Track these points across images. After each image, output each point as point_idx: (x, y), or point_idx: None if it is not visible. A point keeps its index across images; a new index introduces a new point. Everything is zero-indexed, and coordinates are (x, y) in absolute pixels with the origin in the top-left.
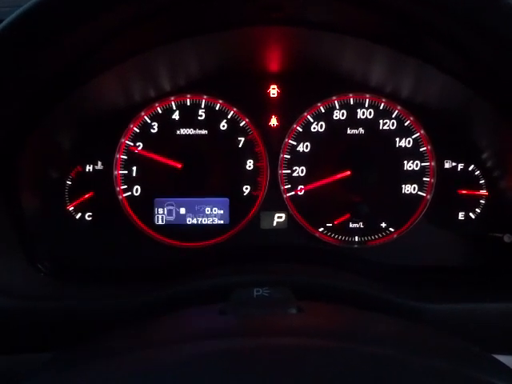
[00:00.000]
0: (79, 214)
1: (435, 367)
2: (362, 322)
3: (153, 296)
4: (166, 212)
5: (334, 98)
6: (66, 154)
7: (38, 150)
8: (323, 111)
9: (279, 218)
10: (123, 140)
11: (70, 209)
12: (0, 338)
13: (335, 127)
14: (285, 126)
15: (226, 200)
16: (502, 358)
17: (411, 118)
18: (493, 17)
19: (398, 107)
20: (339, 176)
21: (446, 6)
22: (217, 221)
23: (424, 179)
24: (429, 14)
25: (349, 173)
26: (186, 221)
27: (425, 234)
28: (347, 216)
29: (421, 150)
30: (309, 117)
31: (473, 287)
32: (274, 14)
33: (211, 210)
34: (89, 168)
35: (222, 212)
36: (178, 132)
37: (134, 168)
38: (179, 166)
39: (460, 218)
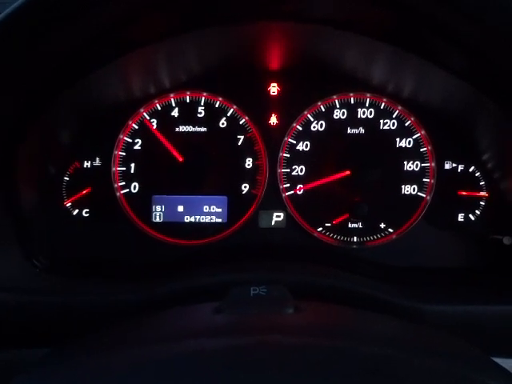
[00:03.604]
0: (76, 210)
1: (432, 367)
2: (360, 321)
3: (149, 293)
4: (163, 209)
5: (335, 96)
6: (64, 149)
7: (37, 145)
8: (323, 110)
9: (278, 217)
10: (122, 136)
11: (68, 205)
12: None
13: (335, 126)
14: (285, 124)
15: (225, 198)
16: (500, 361)
17: (412, 119)
18: (496, 13)
19: (399, 107)
20: (339, 176)
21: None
22: (215, 219)
23: (424, 180)
24: (433, 9)
25: (348, 172)
26: (183, 219)
27: (424, 235)
28: (346, 216)
29: (421, 150)
30: (309, 115)
31: (472, 289)
32: (278, 7)
33: (209, 208)
34: (87, 164)
35: (220, 210)
36: (177, 129)
37: (132, 165)
38: (181, 159)
39: (460, 219)
